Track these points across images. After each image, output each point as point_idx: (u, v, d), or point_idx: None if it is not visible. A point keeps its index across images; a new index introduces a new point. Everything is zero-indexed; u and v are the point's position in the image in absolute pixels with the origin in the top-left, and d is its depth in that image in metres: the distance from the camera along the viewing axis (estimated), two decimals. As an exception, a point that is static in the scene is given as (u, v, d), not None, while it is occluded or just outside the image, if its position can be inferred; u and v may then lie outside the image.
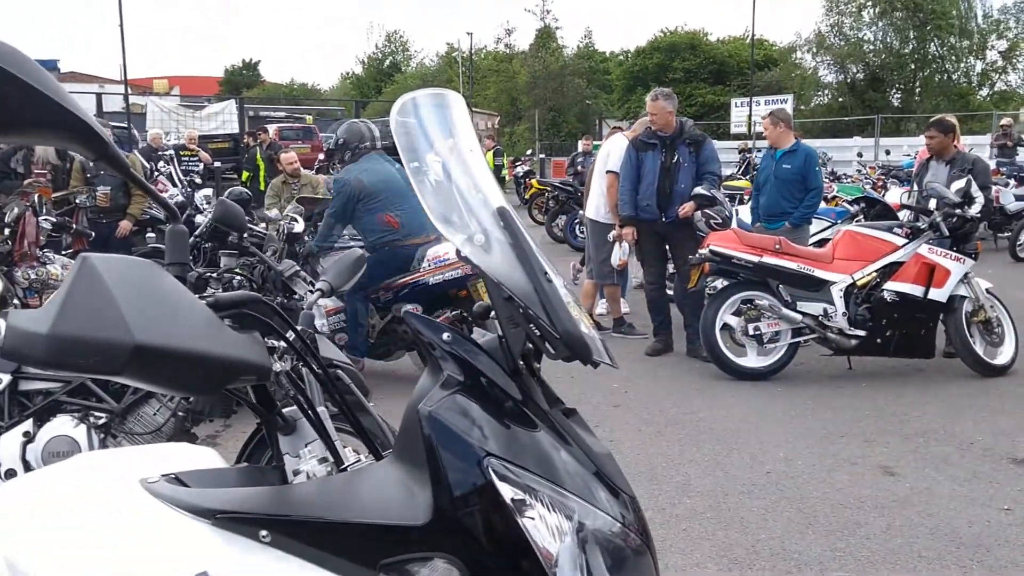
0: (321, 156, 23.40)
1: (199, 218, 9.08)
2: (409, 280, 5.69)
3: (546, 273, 1.22)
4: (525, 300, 1.18)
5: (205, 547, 1.09)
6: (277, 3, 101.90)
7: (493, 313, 1.24)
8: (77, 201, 6.17)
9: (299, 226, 5.66)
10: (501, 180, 17.99)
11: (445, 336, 1.21)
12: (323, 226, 5.99)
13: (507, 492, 1.10)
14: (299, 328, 1.30)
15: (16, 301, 4.75)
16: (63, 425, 3.36)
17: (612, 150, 7.31)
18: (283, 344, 1.24)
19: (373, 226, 5.81)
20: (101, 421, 3.40)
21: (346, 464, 1.28)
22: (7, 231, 4.82)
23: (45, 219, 5.27)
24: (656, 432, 5.04)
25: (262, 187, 12.88)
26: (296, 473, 1.26)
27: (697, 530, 3.69)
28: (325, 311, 5.15)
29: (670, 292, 7.19)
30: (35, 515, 1.18)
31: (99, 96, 23.18)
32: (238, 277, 3.72)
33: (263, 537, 1.10)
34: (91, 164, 7.61)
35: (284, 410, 1.28)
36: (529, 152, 28.08)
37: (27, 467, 3.33)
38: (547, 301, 1.18)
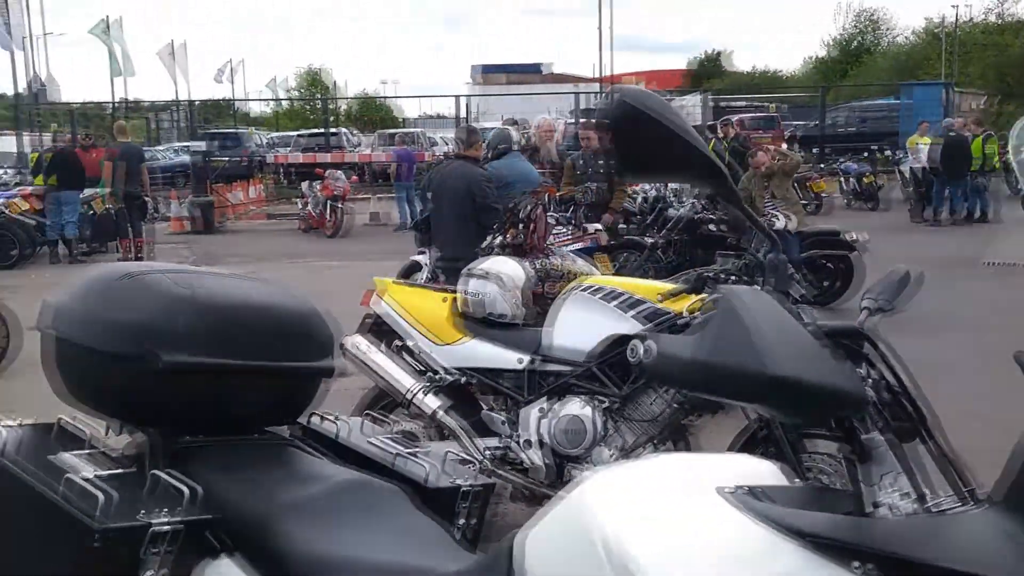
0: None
1: (670, 211, 9.47)
2: None
3: None
4: None
5: (796, 567, 1.12)
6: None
7: None
8: (577, 197, 6.78)
9: (780, 222, 5.60)
10: (972, 167, 15.62)
11: None
12: None
13: None
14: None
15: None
16: (573, 406, 3.70)
17: None
18: (868, 372, 1.22)
19: None
20: (605, 405, 3.69)
21: (929, 503, 1.23)
22: (521, 225, 5.46)
23: (551, 215, 5.89)
24: None
25: None
26: (876, 505, 1.24)
27: None
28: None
29: None
30: (628, 504, 1.28)
31: (576, 96, 25.18)
32: (732, 277, 3.78)
33: (855, 567, 1.09)
34: (580, 163, 8.29)
35: (862, 437, 1.27)
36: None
37: (541, 440, 3.74)
38: None
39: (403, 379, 3.73)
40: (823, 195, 17.01)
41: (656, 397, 3.65)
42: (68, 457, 1.52)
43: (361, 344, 3.87)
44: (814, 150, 23.74)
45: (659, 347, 1.06)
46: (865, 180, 18.17)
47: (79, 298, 1.62)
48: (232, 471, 1.62)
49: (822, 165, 20.74)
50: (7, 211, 12.57)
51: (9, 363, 6.68)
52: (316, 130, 30.52)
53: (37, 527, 1.44)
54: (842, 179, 18.77)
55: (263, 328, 1.69)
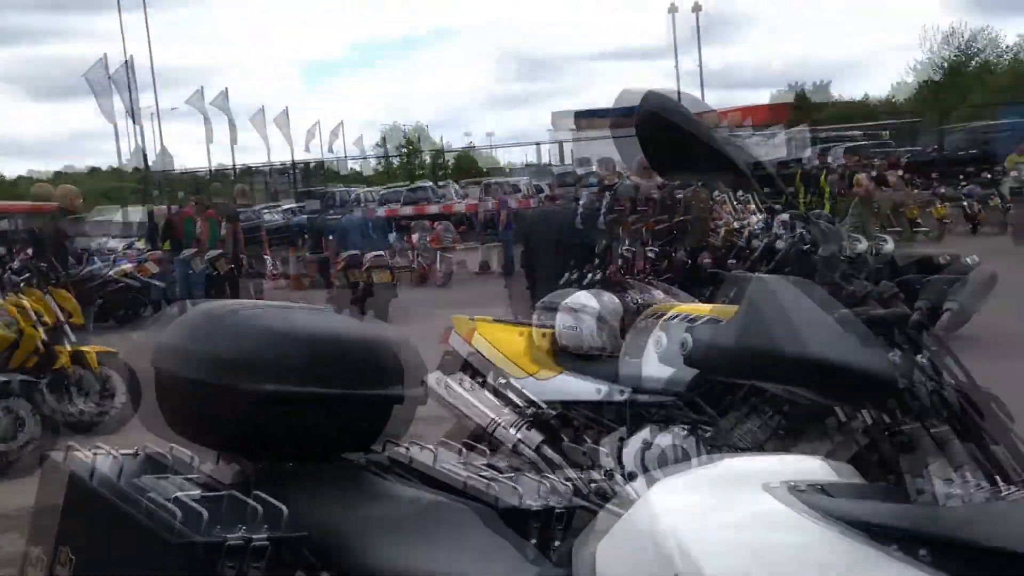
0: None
1: (778, 243, 9.24)
2: None
3: None
4: None
5: (860, 558, 1.10)
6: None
7: None
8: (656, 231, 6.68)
9: (888, 245, 5.40)
10: None
11: None
12: None
13: None
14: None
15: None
16: (675, 436, 3.67)
17: None
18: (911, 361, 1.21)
19: None
20: (707, 434, 3.64)
21: (1004, 492, 1.19)
22: (596, 260, 5.47)
23: (651, 248, 5.86)
24: None
25: None
26: (920, 491, 1.22)
27: None
28: None
29: None
30: (695, 509, 1.29)
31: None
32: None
33: (922, 556, 1.08)
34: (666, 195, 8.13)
35: (903, 427, 1.26)
36: None
37: (645, 471, 3.71)
38: None
39: (488, 413, 3.75)
40: (945, 221, 16.39)
41: (761, 424, 3.58)
42: (150, 480, 1.63)
43: (441, 380, 3.92)
44: (933, 175, 22.86)
45: (701, 337, 1.11)
46: (991, 203, 17.41)
47: (175, 334, 1.76)
48: (314, 494, 1.69)
49: (943, 190, 19.98)
50: (139, 275, 13.36)
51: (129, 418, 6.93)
52: (424, 183, 31.34)
53: (124, 544, 1.56)
54: (966, 203, 18.00)
55: (334, 357, 1.74)
